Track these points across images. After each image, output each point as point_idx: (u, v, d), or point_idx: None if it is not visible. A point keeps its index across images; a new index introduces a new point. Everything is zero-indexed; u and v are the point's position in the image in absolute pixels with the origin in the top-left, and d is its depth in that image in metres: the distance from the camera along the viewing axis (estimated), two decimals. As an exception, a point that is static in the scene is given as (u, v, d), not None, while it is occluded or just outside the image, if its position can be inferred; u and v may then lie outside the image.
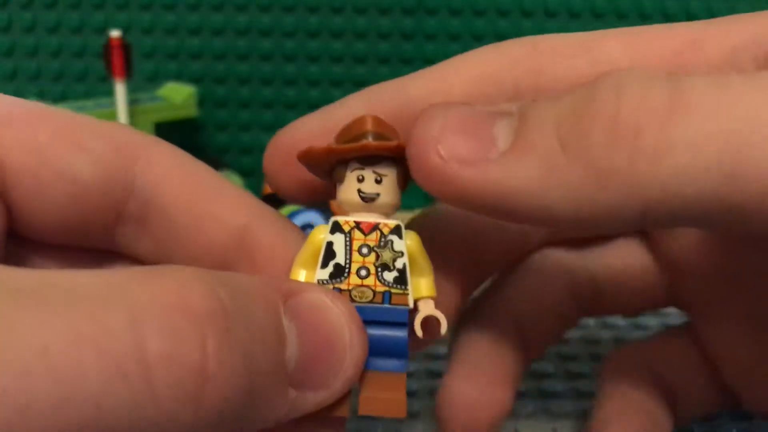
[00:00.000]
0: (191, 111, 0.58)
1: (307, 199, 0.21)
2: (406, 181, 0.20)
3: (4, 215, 0.18)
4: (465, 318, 0.25)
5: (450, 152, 0.16)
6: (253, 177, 0.60)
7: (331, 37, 0.61)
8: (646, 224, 0.15)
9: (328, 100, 0.71)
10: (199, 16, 0.61)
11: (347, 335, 0.16)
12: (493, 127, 0.16)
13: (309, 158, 0.19)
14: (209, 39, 0.61)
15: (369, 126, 0.19)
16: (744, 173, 0.14)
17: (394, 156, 0.19)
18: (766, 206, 0.14)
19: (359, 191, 0.19)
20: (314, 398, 0.16)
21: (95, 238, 0.19)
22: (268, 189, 0.57)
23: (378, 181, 0.19)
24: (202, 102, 0.60)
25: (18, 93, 0.63)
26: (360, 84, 0.63)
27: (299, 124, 0.21)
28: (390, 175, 0.19)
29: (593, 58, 0.18)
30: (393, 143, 0.19)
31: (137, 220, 0.19)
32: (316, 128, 0.20)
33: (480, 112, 0.17)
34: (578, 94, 0.16)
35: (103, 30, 0.58)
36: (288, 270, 0.19)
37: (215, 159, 0.60)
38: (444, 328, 0.19)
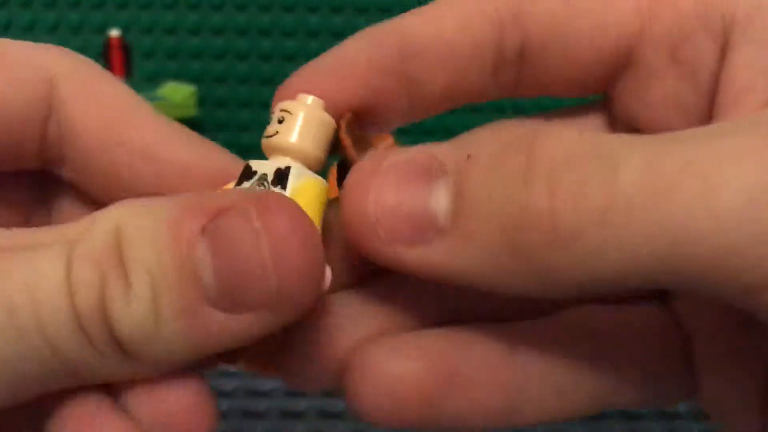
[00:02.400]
0: (191, 111, 0.58)
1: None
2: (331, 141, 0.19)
3: None
4: None
5: (390, 234, 0.17)
6: (252, 177, 0.60)
7: (330, 37, 0.61)
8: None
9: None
10: (199, 16, 0.61)
11: (265, 254, 0.15)
12: (430, 197, 0.17)
13: None
14: (209, 39, 0.61)
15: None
16: (678, 267, 0.15)
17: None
18: (699, 284, 0.15)
19: (264, 135, 0.19)
20: (252, 320, 0.16)
21: (25, 162, 0.20)
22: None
23: (280, 121, 0.19)
24: (202, 102, 0.60)
25: (18, 93, 0.63)
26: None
27: (307, 71, 0.20)
28: (295, 113, 0.18)
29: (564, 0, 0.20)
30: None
31: (56, 144, 0.20)
32: (326, 74, 0.20)
33: (416, 172, 0.17)
34: (513, 172, 0.16)
35: (102, 30, 0.58)
36: (208, 185, 0.19)
37: (215, 159, 0.60)
38: (328, 280, 0.17)
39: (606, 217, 0.15)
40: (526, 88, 0.21)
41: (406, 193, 0.17)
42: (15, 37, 0.68)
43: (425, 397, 0.18)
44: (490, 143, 0.17)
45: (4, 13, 0.60)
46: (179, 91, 0.58)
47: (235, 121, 0.62)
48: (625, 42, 0.20)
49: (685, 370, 0.21)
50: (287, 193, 0.18)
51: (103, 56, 0.53)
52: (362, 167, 0.17)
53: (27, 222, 0.20)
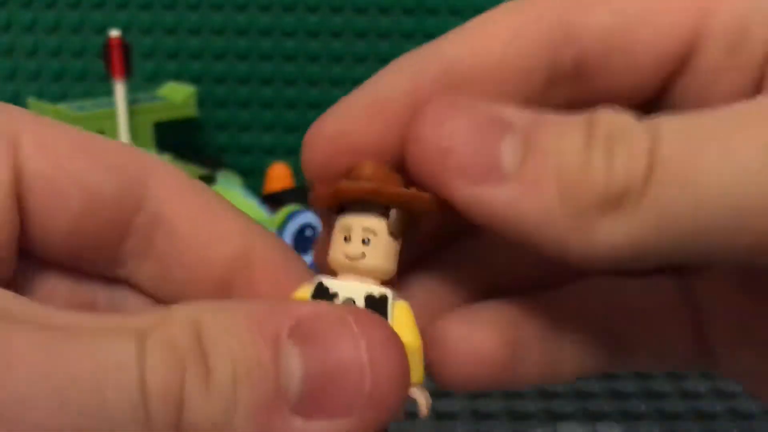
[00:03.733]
0: (191, 111, 0.57)
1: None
2: (402, 229, 0.18)
3: (19, 223, 0.18)
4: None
5: (459, 168, 0.17)
6: (252, 177, 0.60)
7: (331, 37, 0.61)
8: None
9: (328, 100, 0.71)
10: (199, 16, 0.61)
11: (364, 355, 0.15)
12: (500, 142, 0.17)
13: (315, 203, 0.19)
14: (209, 39, 0.61)
15: (366, 171, 0.18)
16: (704, 227, 0.16)
17: (386, 204, 0.18)
18: (723, 245, 0.16)
19: (345, 255, 0.18)
20: (333, 427, 0.15)
21: (102, 257, 0.20)
22: (267, 188, 0.57)
23: (366, 242, 0.18)
24: (202, 102, 0.60)
25: (18, 93, 0.63)
26: (360, 84, 0.63)
27: (339, 111, 0.19)
28: (381, 234, 0.18)
29: (614, 8, 0.20)
30: (367, 186, 0.17)
31: (144, 236, 0.20)
32: (362, 112, 0.19)
33: (489, 121, 0.18)
34: (575, 137, 0.17)
35: (102, 30, 0.58)
36: (285, 292, 0.19)
37: (215, 159, 0.60)
38: (425, 409, 0.18)
39: (650, 178, 0.16)
40: (579, 102, 0.20)
41: (479, 134, 0.17)
42: (15, 36, 0.68)
43: (499, 363, 0.20)
44: (551, 114, 0.18)
45: (4, 13, 0.60)
46: (179, 91, 0.58)
47: (235, 121, 0.62)
48: (685, 42, 0.20)
49: (697, 341, 0.22)
50: (389, 317, 0.18)
51: (103, 56, 0.53)
52: (440, 103, 0.18)
53: (93, 303, 0.20)
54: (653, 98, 0.21)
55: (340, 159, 0.19)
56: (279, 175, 0.57)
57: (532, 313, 0.21)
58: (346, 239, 0.18)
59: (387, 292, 0.18)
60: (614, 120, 0.17)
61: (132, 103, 0.54)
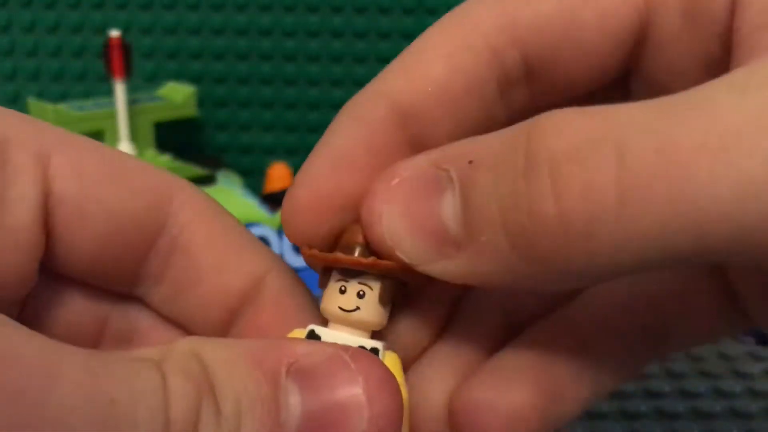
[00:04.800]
0: (191, 111, 0.57)
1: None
2: (392, 296, 0.19)
3: (44, 242, 0.18)
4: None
5: (408, 255, 0.17)
6: (252, 176, 0.60)
7: (331, 37, 0.61)
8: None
9: (328, 100, 0.71)
10: (199, 16, 0.61)
11: (362, 395, 0.15)
12: (440, 210, 0.17)
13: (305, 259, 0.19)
14: (209, 39, 0.61)
15: (359, 238, 0.18)
16: (705, 247, 0.14)
17: (376, 272, 0.18)
18: (730, 259, 0.15)
19: (339, 307, 0.18)
20: None
21: (121, 277, 0.20)
22: (267, 188, 0.57)
23: (360, 296, 0.18)
24: (202, 102, 0.60)
25: (18, 93, 0.63)
26: (360, 84, 0.63)
27: (307, 176, 0.19)
28: (375, 290, 0.18)
29: None
30: (367, 260, 0.18)
31: (162, 258, 0.20)
32: (327, 171, 0.19)
33: (425, 187, 0.17)
34: (515, 174, 0.15)
35: (102, 30, 0.58)
36: (290, 326, 0.19)
37: (215, 159, 0.60)
38: None
39: (621, 210, 0.14)
40: (541, 100, 0.19)
41: (416, 216, 0.17)
42: (15, 37, 0.68)
43: (536, 414, 0.19)
44: (490, 144, 0.16)
45: (4, 13, 0.60)
46: (179, 91, 0.58)
47: (235, 121, 0.62)
48: (635, 17, 0.18)
49: (729, 299, 0.20)
50: None
51: (103, 56, 0.53)
52: (374, 192, 0.18)
53: (106, 319, 0.20)
54: (620, 80, 0.20)
55: (318, 220, 0.19)
56: (279, 175, 0.57)
57: (557, 343, 0.20)
58: (342, 291, 0.18)
59: (378, 344, 0.18)
60: (556, 139, 0.15)
61: (132, 103, 0.54)
